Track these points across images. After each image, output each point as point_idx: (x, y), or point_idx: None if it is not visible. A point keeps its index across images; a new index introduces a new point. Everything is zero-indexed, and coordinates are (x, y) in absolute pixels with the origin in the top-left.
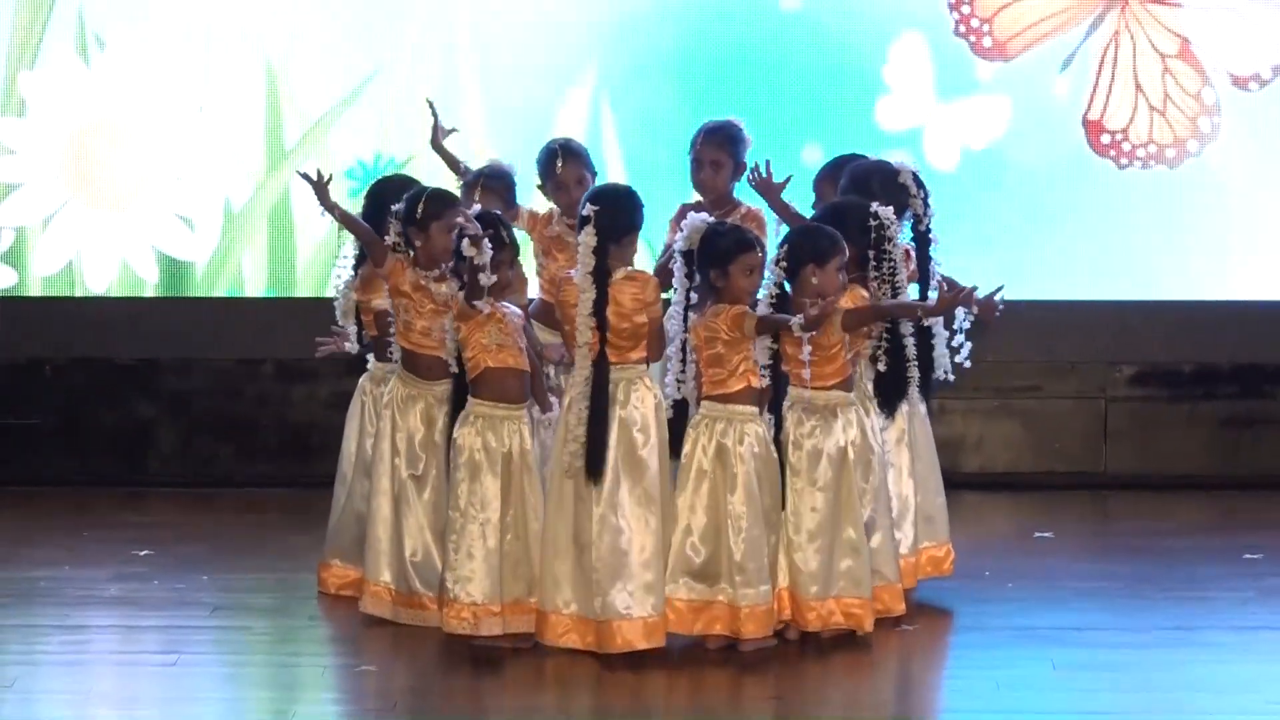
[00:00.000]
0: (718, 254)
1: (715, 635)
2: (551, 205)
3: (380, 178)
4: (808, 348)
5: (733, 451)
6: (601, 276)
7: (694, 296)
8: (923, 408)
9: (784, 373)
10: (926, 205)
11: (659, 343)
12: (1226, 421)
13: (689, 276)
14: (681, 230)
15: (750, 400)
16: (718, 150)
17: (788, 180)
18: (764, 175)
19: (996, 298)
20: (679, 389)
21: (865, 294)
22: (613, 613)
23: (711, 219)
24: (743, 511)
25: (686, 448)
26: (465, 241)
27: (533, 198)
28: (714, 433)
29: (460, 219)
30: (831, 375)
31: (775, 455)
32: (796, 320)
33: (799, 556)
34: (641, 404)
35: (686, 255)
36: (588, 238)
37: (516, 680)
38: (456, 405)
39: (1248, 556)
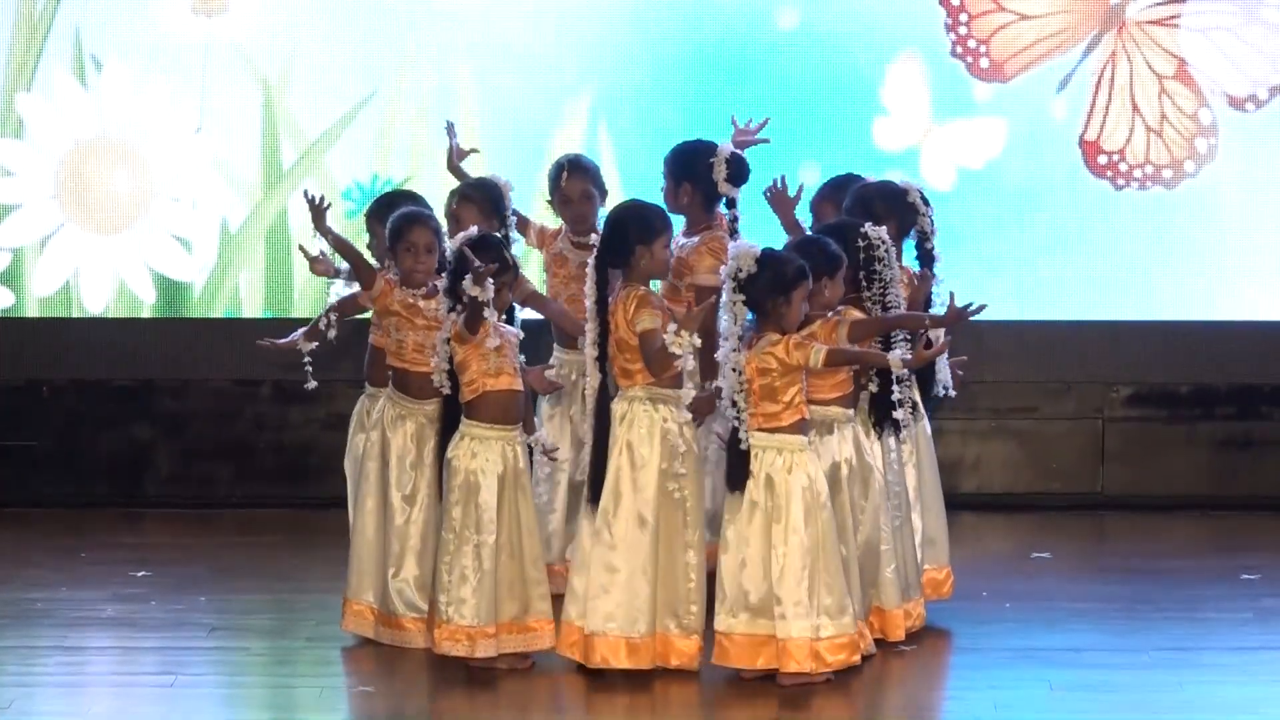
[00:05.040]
0: (784, 281)
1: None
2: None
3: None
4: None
5: (781, 482)
6: (602, 307)
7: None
8: (927, 428)
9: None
10: (932, 223)
11: (654, 362)
12: (1224, 442)
13: (744, 303)
14: (730, 256)
15: (801, 430)
16: (665, 169)
17: (800, 194)
18: (780, 189)
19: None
20: (737, 418)
21: (859, 313)
22: (594, 628)
23: (758, 246)
24: (788, 542)
25: None
26: (469, 279)
27: (531, 209)
28: (763, 463)
29: (465, 250)
30: (831, 390)
31: (825, 486)
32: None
33: None
34: (640, 426)
35: (737, 281)
36: (590, 270)
37: (512, 700)
38: (448, 427)
39: (1245, 577)
